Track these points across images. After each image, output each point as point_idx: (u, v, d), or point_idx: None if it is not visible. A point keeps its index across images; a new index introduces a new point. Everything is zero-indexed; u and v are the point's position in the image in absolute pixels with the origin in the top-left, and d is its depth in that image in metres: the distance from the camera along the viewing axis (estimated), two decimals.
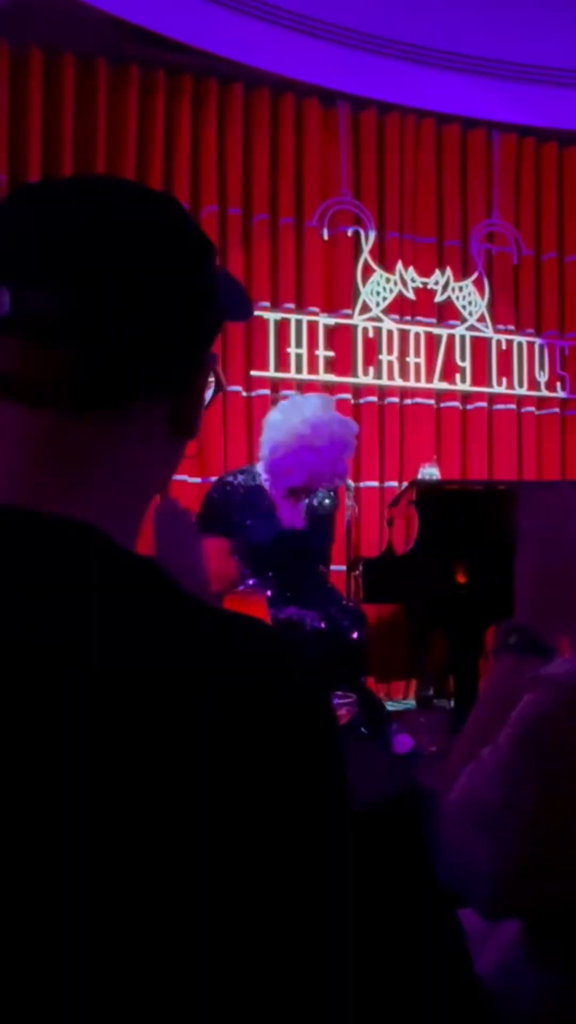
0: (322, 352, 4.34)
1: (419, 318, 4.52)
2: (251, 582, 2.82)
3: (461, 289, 4.61)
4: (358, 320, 4.41)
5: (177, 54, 3.98)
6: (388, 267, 4.46)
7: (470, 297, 4.62)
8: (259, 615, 2.35)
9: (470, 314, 4.62)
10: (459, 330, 4.59)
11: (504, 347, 4.66)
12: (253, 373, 4.21)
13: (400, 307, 4.48)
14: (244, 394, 4.20)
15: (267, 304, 4.23)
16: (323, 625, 2.85)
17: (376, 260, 4.45)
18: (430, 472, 3.86)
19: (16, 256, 0.55)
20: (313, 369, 4.32)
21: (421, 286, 4.53)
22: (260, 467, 2.99)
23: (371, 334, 4.42)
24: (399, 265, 4.47)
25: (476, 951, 0.84)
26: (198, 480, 3.98)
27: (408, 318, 4.51)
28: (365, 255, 4.44)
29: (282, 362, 4.26)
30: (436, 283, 4.56)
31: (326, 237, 4.38)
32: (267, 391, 4.22)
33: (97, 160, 3.94)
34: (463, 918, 0.87)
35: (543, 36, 4.19)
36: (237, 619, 0.52)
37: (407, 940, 0.65)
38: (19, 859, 0.44)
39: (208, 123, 4.17)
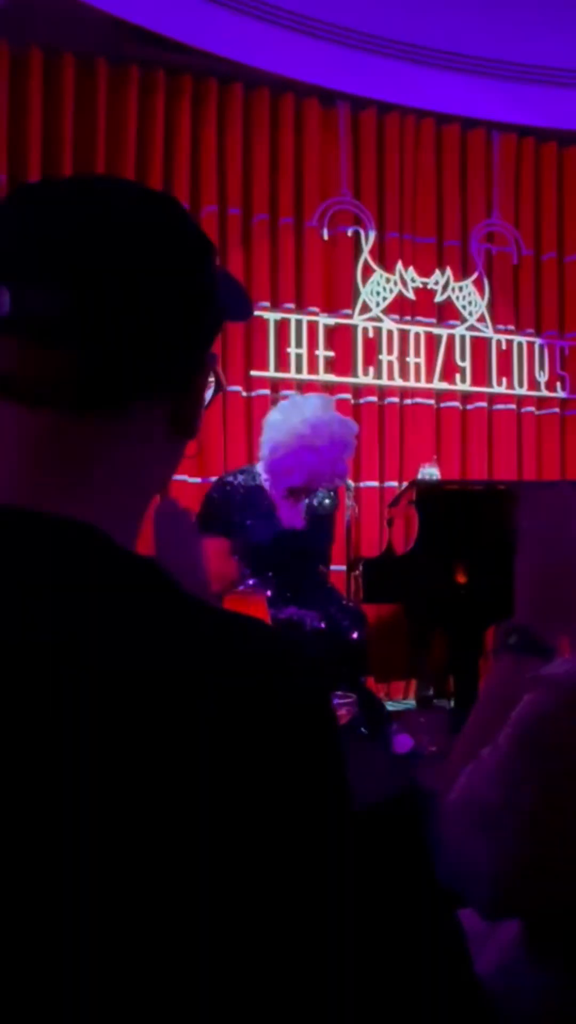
0: (322, 352, 4.34)
1: (419, 318, 4.52)
2: (251, 582, 2.82)
3: (461, 289, 4.61)
4: (358, 320, 4.41)
5: (177, 54, 3.98)
6: (388, 267, 4.47)
7: (470, 297, 4.62)
8: (259, 615, 2.35)
9: (470, 314, 4.62)
10: (459, 330, 4.59)
11: (504, 347, 4.66)
12: (253, 373, 4.21)
13: (400, 307, 4.48)
14: (244, 394, 4.20)
15: (267, 304, 4.23)
16: (323, 625, 2.85)
17: (376, 260, 4.45)
18: (430, 472, 3.86)
19: (16, 256, 0.55)
20: (313, 369, 4.32)
21: (421, 286, 4.53)
22: (260, 467, 2.99)
23: (371, 334, 4.42)
24: (399, 265, 4.47)
25: (476, 951, 0.84)
26: (198, 480, 3.98)
27: (408, 318, 4.51)
28: (365, 255, 4.44)
29: (282, 362, 4.26)
30: (436, 283, 4.56)
31: (326, 237, 4.38)
32: (267, 391, 4.22)
33: (97, 160, 3.94)
34: (463, 918, 0.87)
35: (543, 36, 4.19)
36: (237, 619, 0.52)
37: (407, 940, 0.65)
38: (19, 859, 0.44)
39: (208, 123, 4.17)
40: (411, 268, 4.49)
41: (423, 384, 4.51)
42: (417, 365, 4.49)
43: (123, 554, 0.53)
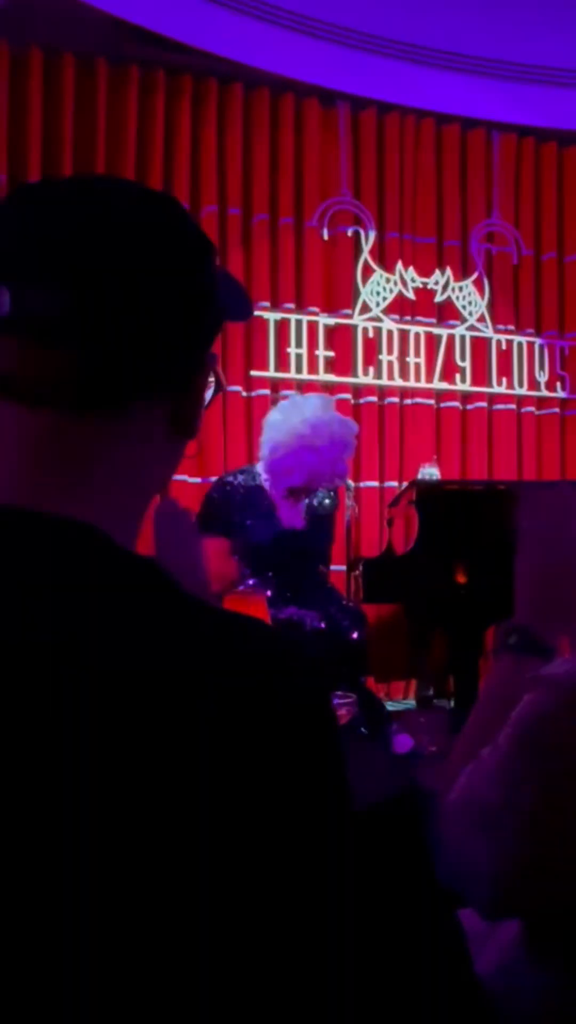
0: (322, 352, 4.34)
1: (419, 318, 4.52)
2: (251, 582, 2.82)
3: (461, 289, 4.61)
4: (358, 320, 4.41)
5: (177, 54, 3.98)
6: (388, 267, 4.46)
7: (470, 297, 4.62)
8: (259, 615, 2.35)
9: (470, 314, 4.62)
10: (459, 330, 4.59)
11: (504, 347, 4.66)
12: (253, 373, 4.21)
13: (400, 307, 4.48)
14: (244, 394, 4.20)
15: (267, 304, 4.23)
16: (323, 625, 2.85)
17: (376, 260, 4.45)
18: (430, 472, 3.86)
19: (16, 256, 0.55)
20: (313, 369, 4.32)
21: (421, 286, 4.53)
22: (260, 467, 2.99)
23: (371, 334, 4.42)
24: (399, 265, 4.47)
25: (476, 951, 0.84)
26: (198, 480, 3.98)
27: (408, 318, 4.51)
28: (365, 255, 4.44)
29: (282, 362, 4.26)
30: (436, 283, 4.56)
31: (326, 237, 4.38)
32: (267, 391, 4.22)
33: (97, 160, 3.94)
34: (463, 918, 0.87)
35: (543, 36, 4.19)
36: (237, 619, 0.52)
37: (407, 940, 0.65)
38: (19, 859, 0.44)
39: (208, 123, 4.17)
40: (411, 268, 4.49)
41: (423, 384, 4.51)
42: (417, 365, 4.49)
43: (123, 554, 0.53)
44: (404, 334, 4.49)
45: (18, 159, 3.84)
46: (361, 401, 4.41)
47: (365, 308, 4.42)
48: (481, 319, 4.64)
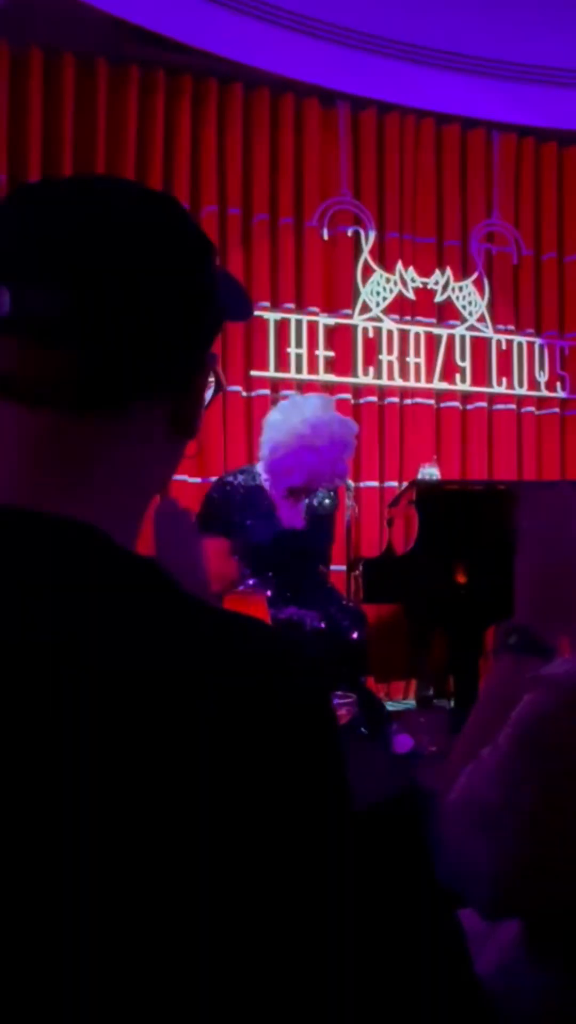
0: (322, 352, 4.34)
1: (419, 318, 4.52)
2: (251, 582, 2.82)
3: (461, 289, 4.61)
4: (358, 320, 4.41)
5: (177, 54, 3.98)
6: (388, 267, 4.46)
7: (470, 297, 4.62)
8: (259, 615, 2.35)
9: (470, 314, 4.62)
10: (459, 330, 4.59)
11: (504, 347, 4.66)
12: (253, 373, 4.21)
13: (400, 307, 4.48)
14: (244, 394, 4.20)
15: (267, 304, 4.23)
16: (323, 625, 2.85)
17: (376, 260, 4.45)
18: (430, 472, 3.86)
19: (16, 256, 0.55)
20: (313, 369, 4.32)
21: (421, 286, 4.53)
22: (260, 467, 2.99)
23: (371, 334, 4.42)
24: (399, 265, 4.47)
25: (476, 951, 0.84)
26: (198, 480, 3.98)
27: (408, 318, 4.51)
28: (365, 255, 4.44)
29: (282, 362, 4.26)
30: (436, 283, 4.56)
31: (326, 237, 4.38)
32: (267, 391, 4.22)
33: (97, 160, 3.94)
34: (463, 918, 0.87)
35: (543, 36, 4.19)
36: (237, 619, 0.52)
37: (407, 940, 0.65)
38: (19, 859, 0.44)
39: (208, 123, 4.17)
40: (411, 268, 4.49)
41: (423, 384, 4.51)
42: (417, 365, 4.49)
43: (123, 554, 0.53)
44: (404, 334, 4.49)
45: (18, 159, 3.84)
46: (361, 401, 4.41)
47: (365, 308, 4.42)
48: (481, 319, 4.64)
